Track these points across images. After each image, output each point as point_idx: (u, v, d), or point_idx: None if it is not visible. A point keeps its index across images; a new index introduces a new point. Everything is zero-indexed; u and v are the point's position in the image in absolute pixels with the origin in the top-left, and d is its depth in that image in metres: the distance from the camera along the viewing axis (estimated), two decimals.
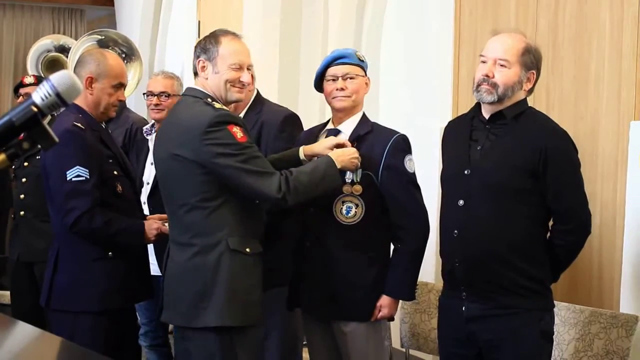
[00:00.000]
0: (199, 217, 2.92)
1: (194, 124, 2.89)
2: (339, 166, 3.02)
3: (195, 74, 3.06)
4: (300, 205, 3.09)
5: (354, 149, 3.11)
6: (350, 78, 3.18)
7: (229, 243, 2.92)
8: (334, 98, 3.20)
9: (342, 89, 3.18)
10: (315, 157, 3.14)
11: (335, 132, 3.26)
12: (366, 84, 3.25)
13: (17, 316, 4.19)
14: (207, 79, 3.02)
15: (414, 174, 3.21)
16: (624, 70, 3.82)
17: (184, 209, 2.94)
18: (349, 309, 3.17)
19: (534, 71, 2.93)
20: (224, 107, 2.98)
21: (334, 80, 3.20)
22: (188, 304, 2.93)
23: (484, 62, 2.93)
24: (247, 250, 2.96)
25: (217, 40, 3.02)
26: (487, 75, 2.90)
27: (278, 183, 2.89)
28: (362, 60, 3.24)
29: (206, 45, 3.03)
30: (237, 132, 2.89)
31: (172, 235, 3.05)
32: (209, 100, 2.98)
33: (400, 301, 3.34)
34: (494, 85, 2.88)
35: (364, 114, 3.28)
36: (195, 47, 3.07)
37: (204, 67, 3.02)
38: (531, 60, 2.91)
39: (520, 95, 2.95)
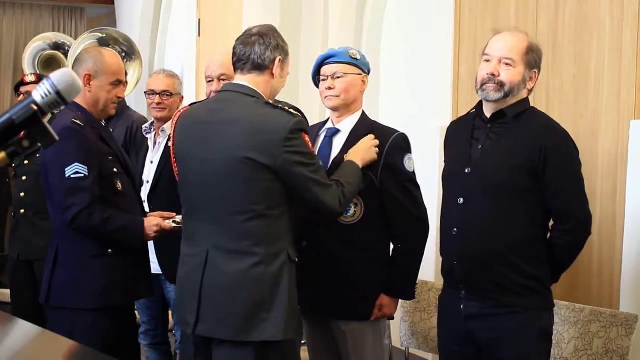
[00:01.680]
0: (263, 225, 2.76)
1: (271, 129, 2.73)
2: (362, 164, 3.03)
3: (258, 68, 2.84)
4: None
5: (371, 139, 3.11)
6: (339, 77, 3.18)
7: (289, 253, 2.84)
8: (325, 97, 3.22)
9: (329, 88, 3.18)
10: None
11: (334, 131, 3.25)
12: (363, 81, 3.23)
13: (17, 314, 4.19)
14: (275, 77, 2.87)
15: (413, 173, 3.20)
16: (624, 69, 3.82)
17: (245, 216, 2.75)
18: (349, 309, 3.17)
19: (536, 70, 2.93)
20: (296, 112, 2.88)
21: (324, 79, 3.20)
22: (242, 316, 2.76)
23: (487, 60, 2.93)
24: (296, 259, 2.90)
25: (285, 41, 2.91)
26: (492, 74, 2.89)
27: (338, 195, 2.85)
28: (356, 59, 3.21)
29: (284, 44, 2.90)
30: (309, 141, 2.83)
31: (218, 242, 2.80)
32: (266, 101, 2.85)
33: (400, 300, 3.34)
34: (501, 84, 2.88)
35: (363, 113, 3.28)
36: (268, 39, 2.85)
37: (277, 66, 2.86)
38: (534, 59, 2.91)
39: (522, 95, 2.95)
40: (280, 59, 2.86)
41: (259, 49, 2.84)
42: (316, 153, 3.23)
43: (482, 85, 2.92)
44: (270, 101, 2.91)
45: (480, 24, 4.65)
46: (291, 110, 2.85)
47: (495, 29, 3.07)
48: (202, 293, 2.80)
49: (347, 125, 3.24)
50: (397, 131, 3.22)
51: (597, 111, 3.96)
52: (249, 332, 2.76)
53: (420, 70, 5.37)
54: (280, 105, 2.88)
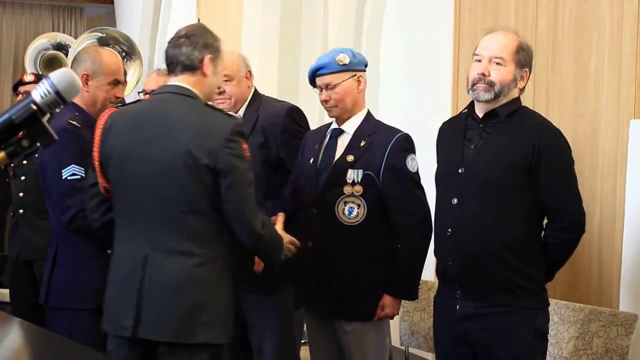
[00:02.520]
0: (206, 226, 2.72)
1: (212, 128, 2.71)
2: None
3: (189, 69, 2.81)
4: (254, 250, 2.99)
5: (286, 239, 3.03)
6: (332, 88, 3.18)
7: (226, 256, 2.80)
8: (325, 108, 3.24)
9: (326, 101, 3.20)
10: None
11: (339, 132, 3.26)
12: (359, 81, 3.22)
13: (17, 314, 4.19)
14: (207, 77, 2.83)
15: (416, 173, 3.20)
16: (623, 69, 3.82)
17: (189, 216, 2.71)
18: (352, 309, 3.18)
19: (527, 69, 2.94)
20: (236, 116, 2.85)
21: (320, 90, 3.22)
22: (183, 318, 2.70)
23: (478, 60, 2.94)
24: (231, 264, 2.86)
25: (217, 38, 2.88)
26: (482, 74, 2.90)
27: (262, 219, 2.78)
28: (345, 64, 3.18)
29: (213, 42, 2.84)
30: (246, 149, 2.77)
31: (158, 242, 2.73)
32: (205, 102, 2.84)
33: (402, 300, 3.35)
34: (491, 84, 2.89)
35: (368, 112, 3.28)
36: (195, 39, 2.82)
37: (208, 65, 2.81)
38: (524, 58, 2.92)
39: (514, 94, 2.95)
40: (210, 57, 2.81)
41: (186, 50, 2.80)
42: (321, 153, 3.25)
43: (472, 85, 2.93)
44: (209, 102, 2.90)
45: (480, 23, 4.65)
46: (231, 114, 2.84)
47: (488, 28, 3.08)
48: (142, 295, 2.72)
49: (351, 126, 3.25)
50: (400, 131, 3.23)
51: (597, 111, 3.96)
52: (190, 333, 2.70)
53: (420, 70, 5.37)
54: (218, 108, 2.88)
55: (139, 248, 2.75)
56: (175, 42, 2.84)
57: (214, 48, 2.84)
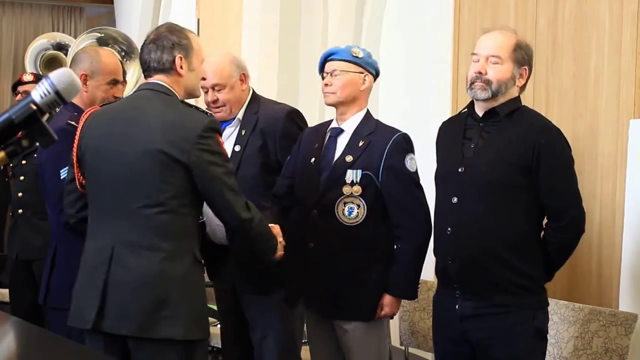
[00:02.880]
0: (172, 221, 2.74)
1: (185, 125, 2.75)
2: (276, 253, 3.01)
3: (162, 71, 2.84)
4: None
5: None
6: (337, 74, 3.19)
7: (195, 252, 2.80)
8: (323, 94, 3.24)
9: (327, 85, 3.21)
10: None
11: (339, 131, 3.26)
12: (364, 80, 3.23)
13: (16, 314, 4.18)
14: (182, 76, 2.85)
15: (415, 172, 3.20)
16: (623, 68, 3.82)
17: (155, 209, 2.72)
18: (353, 309, 3.18)
19: (525, 67, 2.93)
20: (210, 113, 2.88)
21: (325, 76, 3.23)
22: (145, 312, 2.70)
23: (476, 60, 2.95)
24: (202, 261, 2.88)
25: (186, 35, 2.89)
26: (480, 72, 2.91)
27: (246, 204, 2.82)
28: (357, 57, 3.22)
29: (180, 40, 2.85)
30: (222, 142, 2.83)
31: (125, 236, 2.74)
32: (181, 100, 2.88)
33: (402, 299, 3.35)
34: (488, 82, 2.89)
35: (367, 112, 3.29)
36: (161, 42, 2.84)
37: (181, 64, 2.84)
38: (522, 56, 2.92)
39: (513, 93, 2.95)
40: (180, 57, 2.84)
41: (155, 55, 2.83)
42: (322, 153, 3.24)
43: (470, 84, 2.93)
44: (187, 100, 2.93)
45: (480, 23, 4.65)
46: (206, 110, 2.87)
47: (485, 28, 3.08)
48: (107, 288, 2.73)
49: (350, 124, 3.25)
50: (399, 131, 3.23)
51: (596, 110, 3.96)
52: (152, 329, 2.69)
53: (419, 69, 5.37)
54: (194, 105, 2.91)
55: (107, 242, 2.76)
56: (145, 47, 2.88)
57: (183, 46, 2.86)
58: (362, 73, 3.23)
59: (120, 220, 2.76)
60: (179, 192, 2.74)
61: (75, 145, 2.91)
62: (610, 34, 3.89)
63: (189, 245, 2.79)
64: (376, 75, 3.32)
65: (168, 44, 2.83)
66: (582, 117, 4.02)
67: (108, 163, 2.80)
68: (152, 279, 2.72)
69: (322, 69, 3.29)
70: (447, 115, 4.76)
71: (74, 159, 2.92)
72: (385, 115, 5.37)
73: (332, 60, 3.23)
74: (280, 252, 3.03)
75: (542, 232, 2.98)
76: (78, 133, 2.91)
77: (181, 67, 2.83)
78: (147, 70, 2.87)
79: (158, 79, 2.85)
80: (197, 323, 2.79)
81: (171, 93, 2.83)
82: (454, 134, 3.04)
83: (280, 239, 3.03)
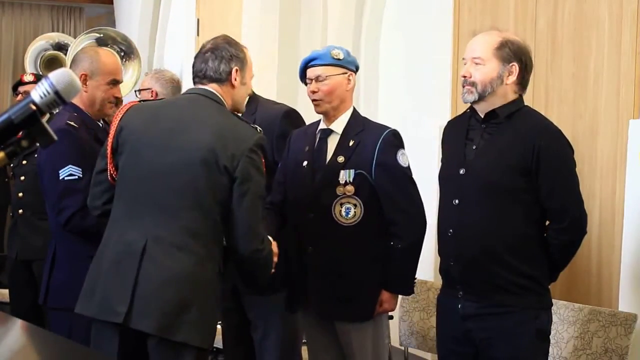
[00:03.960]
0: (209, 226, 2.74)
1: (240, 136, 2.75)
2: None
3: (217, 81, 2.86)
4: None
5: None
6: (322, 80, 3.18)
7: (220, 262, 2.80)
8: (312, 102, 3.23)
9: (313, 92, 3.20)
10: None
11: (328, 132, 3.26)
12: (349, 79, 3.22)
13: (16, 314, 4.19)
14: (235, 87, 2.88)
15: (408, 168, 3.20)
16: (623, 69, 3.82)
17: (196, 212, 2.72)
18: (352, 310, 3.19)
19: (514, 63, 2.91)
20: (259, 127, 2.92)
21: (309, 82, 3.22)
22: (169, 312, 2.68)
23: (465, 64, 2.96)
24: (223, 273, 2.86)
25: (242, 48, 2.92)
26: (464, 76, 2.92)
27: (264, 235, 2.82)
28: (339, 59, 3.20)
29: (238, 53, 2.89)
30: (264, 164, 2.82)
31: (160, 233, 2.72)
32: (230, 111, 2.89)
33: (400, 299, 3.35)
34: (473, 84, 2.90)
35: (354, 111, 3.28)
36: (220, 52, 2.86)
37: (236, 76, 2.87)
38: (509, 53, 2.89)
39: (506, 91, 2.92)
40: (237, 69, 2.87)
41: (213, 64, 2.86)
42: (314, 155, 3.24)
43: (462, 88, 2.95)
44: (236, 113, 2.93)
45: (480, 23, 4.65)
46: (255, 126, 2.91)
47: (481, 30, 3.08)
48: (137, 283, 2.69)
49: (339, 125, 3.25)
50: (388, 127, 3.23)
51: (596, 110, 3.96)
52: (173, 330, 2.67)
53: (419, 69, 5.38)
54: (244, 119, 2.93)
55: (138, 236, 2.73)
56: (201, 56, 2.90)
57: (240, 59, 2.90)
58: (346, 73, 3.22)
59: (155, 217, 2.74)
60: (219, 199, 2.73)
61: (111, 136, 2.87)
62: (609, 34, 3.89)
63: (218, 253, 2.79)
64: (357, 69, 3.30)
65: (227, 55, 2.87)
66: (582, 117, 4.02)
67: (152, 157, 2.77)
68: (183, 280, 2.70)
69: (303, 75, 3.26)
70: (446, 115, 4.77)
71: (109, 149, 2.88)
72: (384, 114, 5.39)
73: (314, 66, 3.20)
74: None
75: (545, 234, 2.98)
76: (115, 125, 2.87)
77: (235, 79, 2.86)
78: (202, 78, 2.88)
79: (211, 87, 2.86)
80: (212, 332, 2.80)
81: (221, 101, 2.85)
82: (457, 135, 3.04)
83: (275, 258, 2.96)
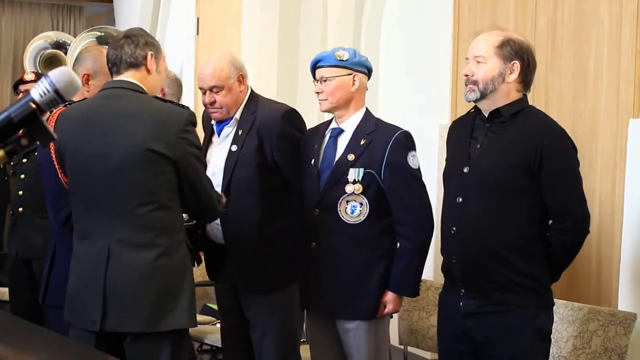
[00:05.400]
0: (165, 216, 2.82)
1: (168, 120, 2.82)
2: None
3: (133, 66, 2.90)
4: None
5: None
6: (326, 80, 3.21)
7: (187, 241, 2.91)
8: (318, 101, 3.28)
9: (318, 92, 3.24)
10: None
11: (339, 131, 3.27)
12: (354, 80, 3.22)
13: (16, 312, 4.19)
14: (151, 74, 2.93)
15: (418, 170, 3.21)
16: (622, 68, 3.82)
17: (149, 207, 2.79)
18: (355, 308, 3.20)
19: (516, 61, 2.91)
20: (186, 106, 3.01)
21: (316, 83, 3.26)
22: (151, 307, 2.77)
23: (467, 64, 2.97)
24: (192, 248, 2.99)
25: (154, 39, 3.00)
26: (466, 75, 2.93)
27: (217, 195, 3.00)
28: (342, 59, 3.21)
29: (152, 40, 2.96)
30: (197, 135, 2.92)
31: (120, 236, 2.79)
32: (154, 95, 2.95)
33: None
34: (475, 83, 2.91)
35: (367, 111, 3.29)
36: (137, 39, 2.93)
37: (151, 62, 2.93)
38: (510, 51, 2.90)
39: (509, 90, 2.92)
40: (151, 54, 2.92)
41: (128, 48, 2.91)
42: (322, 153, 3.25)
43: (465, 86, 2.96)
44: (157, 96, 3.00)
45: (479, 22, 4.65)
46: (181, 104, 2.99)
47: (483, 29, 3.09)
48: (107, 289, 2.78)
49: (350, 124, 3.26)
50: (400, 129, 3.24)
51: (595, 110, 3.96)
52: (159, 322, 2.77)
53: (419, 68, 5.38)
54: (168, 99, 3.01)
55: (100, 242, 2.81)
56: (115, 44, 2.95)
57: (155, 46, 2.96)
58: (351, 74, 3.22)
59: (113, 220, 2.80)
60: (169, 187, 2.82)
61: (51, 148, 2.96)
62: (609, 34, 3.89)
63: (181, 237, 2.88)
64: (369, 72, 3.31)
65: (142, 41, 2.95)
66: (582, 116, 4.02)
67: (92, 164, 2.83)
68: (152, 275, 2.78)
69: (314, 75, 3.31)
70: (446, 114, 4.77)
71: (54, 160, 2.97)
72: (384, 114, 5.36)
73: (319, 67, 3.25)
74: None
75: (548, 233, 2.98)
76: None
77: (150, 65, 2.93)
78: (117, 65, 2.93)
79: (126, 76, 2.91)
80: (193, 311, 2.89)
81: (142, 90, 2.90)
82: (462, 133, 3.05)
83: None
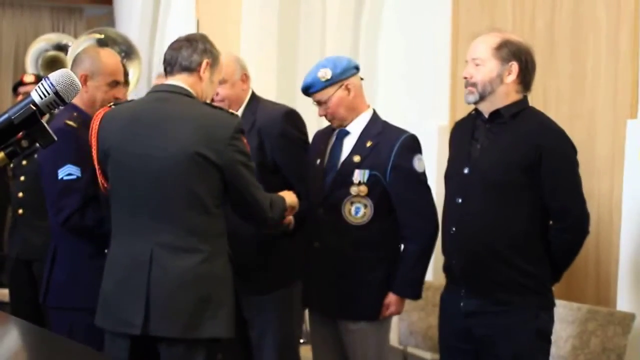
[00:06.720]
0: (209, 222, 2.79)
1: (217, 126, 2.77)
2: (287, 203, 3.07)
3: (186, 70, 2.86)
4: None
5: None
6: (323, 103, 3.23)
7: (229, 252, 2.87)
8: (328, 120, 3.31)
9: (322, 115, 3.27)
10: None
11: (345, 133, 3.28)
12: (347, 89, 3.22)
13: (16, 314, 4.20)
14: (203, 82, 2.88)
15: (423, 173, 3.22)
16: (620, 69, 3.83)
17: (194, 212, 2.76)
18: (359, 309, 3.20)
19: (513, 62, 2.92)
20: (236, 114, 2.94)
21: (316, 105, 3.28)
22: (190, 314, 2.74)
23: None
24: (233, 260, 2.91)
25: (215, 47, 2.93)
26: (465, 77, 2.95)
27: (269, 202, 2.91)
28: (328, 79, 3.20)
29: (212, 49, 2.91)
30: (247, 143, 2.87)
31: (163, 239, 2.76)
32: (203, 101, 2.89)
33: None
34: (474, 85, 2.93)
35: (374, 113, 3.31)
36: (197, 44, 2.89)
37: (205, 69, 2.88)
38: (508, 53, 2.91)
39: (508, 91, 2.93)
40: (208, 62, 2.88)
41: (186, 52, 2.88)
42: (328, 154, 3.27)
43: (465, 89, 2.97)
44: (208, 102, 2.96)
45: (478, 24, 4.66)
46: (231, 111, 2.92)
47: (481, 31, 3.10)
48: (150, 293, 2.74)
49: (356, 126, 3.27)
50: (407, 132, 3.25)
51: (593, 111, 3.97)
52: (197, 329, 2.74)
53: (418, 70, 5.38)
54: (218, 106, 2.95)
55: (143, 246, 2.77)
56: (175, 45, 2.91)
57: (214, 55, 2.91)
58: (342, 85, 3.22)
59: (156, 224, 2.76)
60: (214, 193, 2.78)
61: (93, 149, 2.90)
62: (607, 35, 3.90)
63: (224, 245, 2.85)
64: (357, 69, 3.30)
65: (201, 47, 2.89)
66: (580, 117, 4.03)
67: (136, 166, 2.79)
68: (194, 280, 2.75)
69: (307, 95, 3.31)
70: (445, 115, 4.78)
71: (95, 162, 2.91)
72: (383, 115, 5.37)
73: (311, 93, 3.25)
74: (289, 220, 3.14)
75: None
76: (94, 136, 2.90)
77: (204, 72, 2.88)
78: (172, 66, 2.90)
79: (178, 79, 2.87)
80: (232, 321, 2.85)
81: (192, 95, 2.86)
82: (463, 134, 3.06)
83: (295, 206, 3.10)
